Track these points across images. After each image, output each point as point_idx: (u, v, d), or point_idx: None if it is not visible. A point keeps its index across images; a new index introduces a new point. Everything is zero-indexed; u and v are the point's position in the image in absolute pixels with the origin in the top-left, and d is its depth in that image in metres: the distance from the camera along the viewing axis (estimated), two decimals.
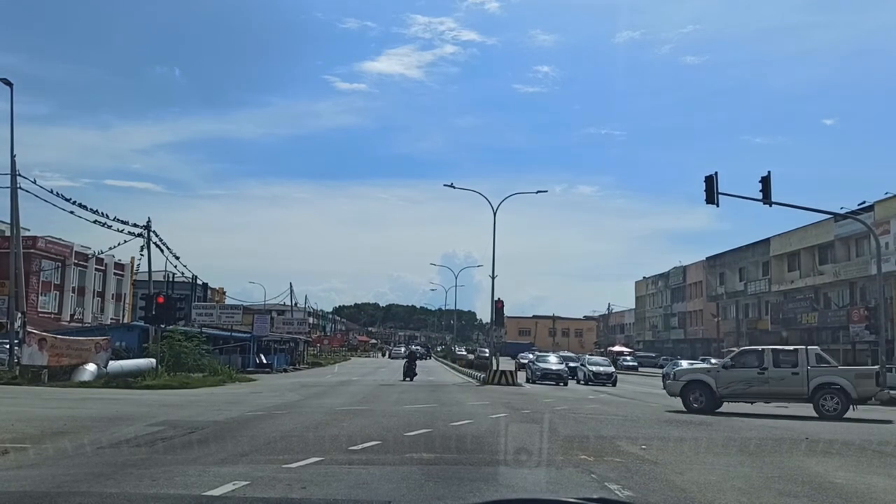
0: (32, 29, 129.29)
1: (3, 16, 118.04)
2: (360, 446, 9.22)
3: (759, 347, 19.81)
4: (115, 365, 25.84)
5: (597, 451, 9.39)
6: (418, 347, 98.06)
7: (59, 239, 54.20)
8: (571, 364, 39.04)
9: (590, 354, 54.16)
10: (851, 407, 16.68)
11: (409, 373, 32.94)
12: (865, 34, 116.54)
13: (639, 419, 14.81)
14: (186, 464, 7.89)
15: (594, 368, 36.26)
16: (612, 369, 36.79)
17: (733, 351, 59.35)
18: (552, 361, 37.13)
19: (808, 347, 18.63)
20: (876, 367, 21.76)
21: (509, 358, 55.18)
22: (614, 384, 33.99)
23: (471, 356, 58.30)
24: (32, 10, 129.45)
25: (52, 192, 28.94)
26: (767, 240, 56.95)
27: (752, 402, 17.77)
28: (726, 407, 17.65)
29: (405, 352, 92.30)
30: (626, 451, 9.53)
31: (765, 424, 14.46)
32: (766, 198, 25.53)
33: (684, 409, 17.31)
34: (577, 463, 8.30)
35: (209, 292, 62.41)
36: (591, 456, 8.86)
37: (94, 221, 30.57)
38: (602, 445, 10.03)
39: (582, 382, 35.37)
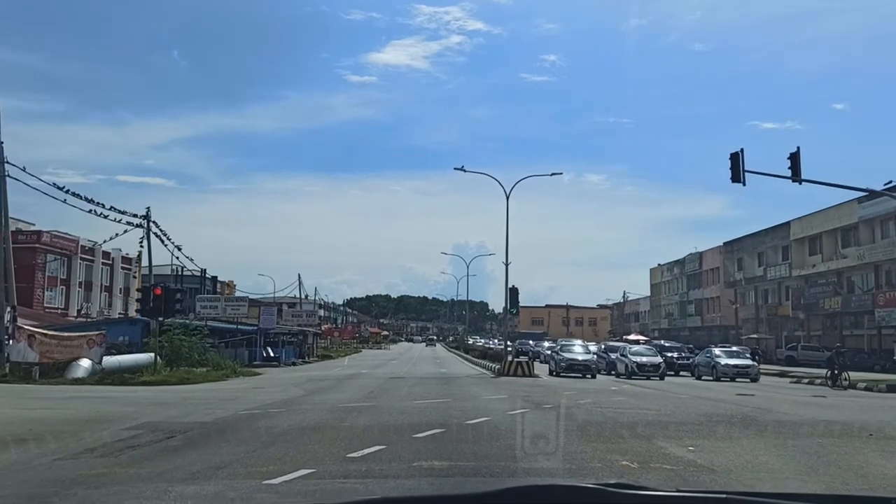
0: (50, 27, 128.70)
1: (22, 15, 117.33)
2: (360, 453, 7.87)
3: None
4: (112, 360, 24.66)
5: (638, 455, 8.01)
6: (433, 338, 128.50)
7: (65, 233, 53.16)
8: (612, 355, 34.13)
9: (609, 341, 47.58)
10: None
11: None
12: (877, 20, 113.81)
13: (673, 413, 13.40)
14: (148, 480, 6.55)
15: (637, 359, 30.44)
16: (658, 359, 30.81)
17: (753, 338, 57.33)
18: (578, 351, 32.27)
19: None
20: None
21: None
22: (662, 378, 28.76)
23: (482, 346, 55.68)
24: (50, 9, 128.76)
25: (53, 186, 28.00)
26: (787, 223, 55.16)
27: None
28: (762, 399, 16.23)
29: (423, 339, 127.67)
30: (672, 454, 8.14)
31: (815, 418, 13.01)
32: (796, 175, 23.99)
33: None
34: (618, 471, 6.93)
35: (219, 286, 61.26)
36: (634, 462, 7.48)
37: (90, 211, 29.35)
38: (642, 447, 8.65)
39: (624, 376, 29.71)
